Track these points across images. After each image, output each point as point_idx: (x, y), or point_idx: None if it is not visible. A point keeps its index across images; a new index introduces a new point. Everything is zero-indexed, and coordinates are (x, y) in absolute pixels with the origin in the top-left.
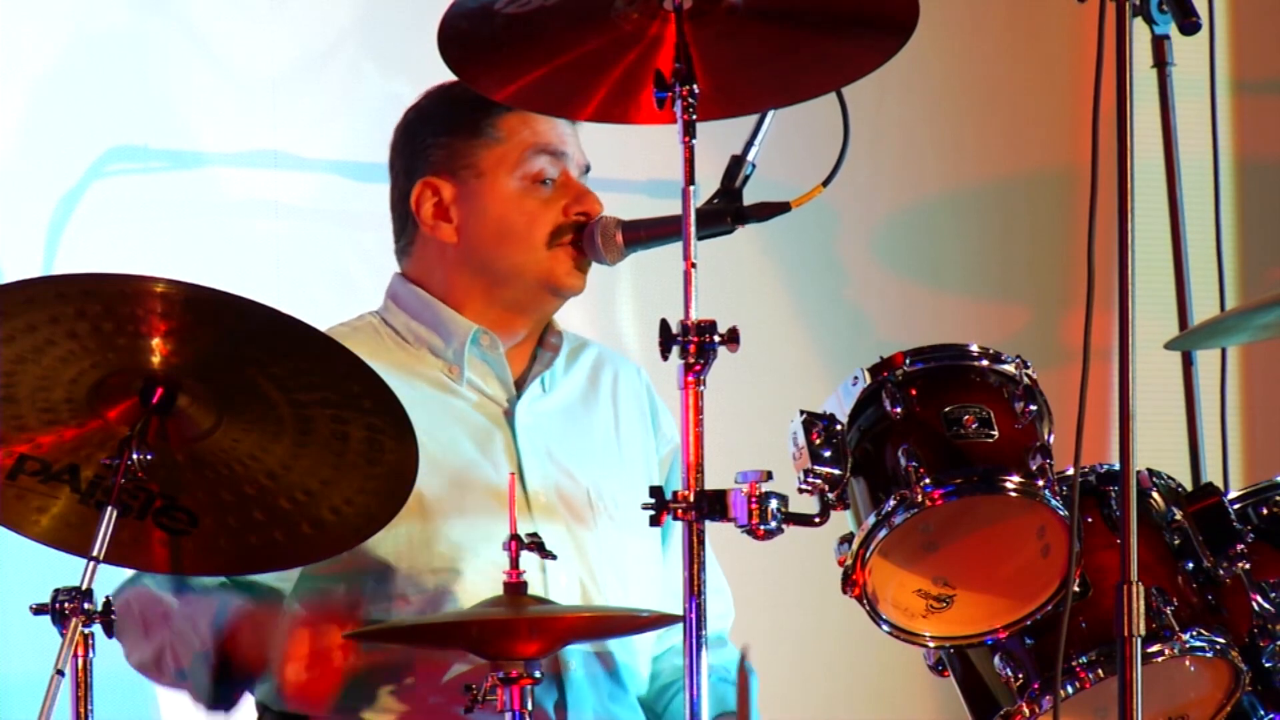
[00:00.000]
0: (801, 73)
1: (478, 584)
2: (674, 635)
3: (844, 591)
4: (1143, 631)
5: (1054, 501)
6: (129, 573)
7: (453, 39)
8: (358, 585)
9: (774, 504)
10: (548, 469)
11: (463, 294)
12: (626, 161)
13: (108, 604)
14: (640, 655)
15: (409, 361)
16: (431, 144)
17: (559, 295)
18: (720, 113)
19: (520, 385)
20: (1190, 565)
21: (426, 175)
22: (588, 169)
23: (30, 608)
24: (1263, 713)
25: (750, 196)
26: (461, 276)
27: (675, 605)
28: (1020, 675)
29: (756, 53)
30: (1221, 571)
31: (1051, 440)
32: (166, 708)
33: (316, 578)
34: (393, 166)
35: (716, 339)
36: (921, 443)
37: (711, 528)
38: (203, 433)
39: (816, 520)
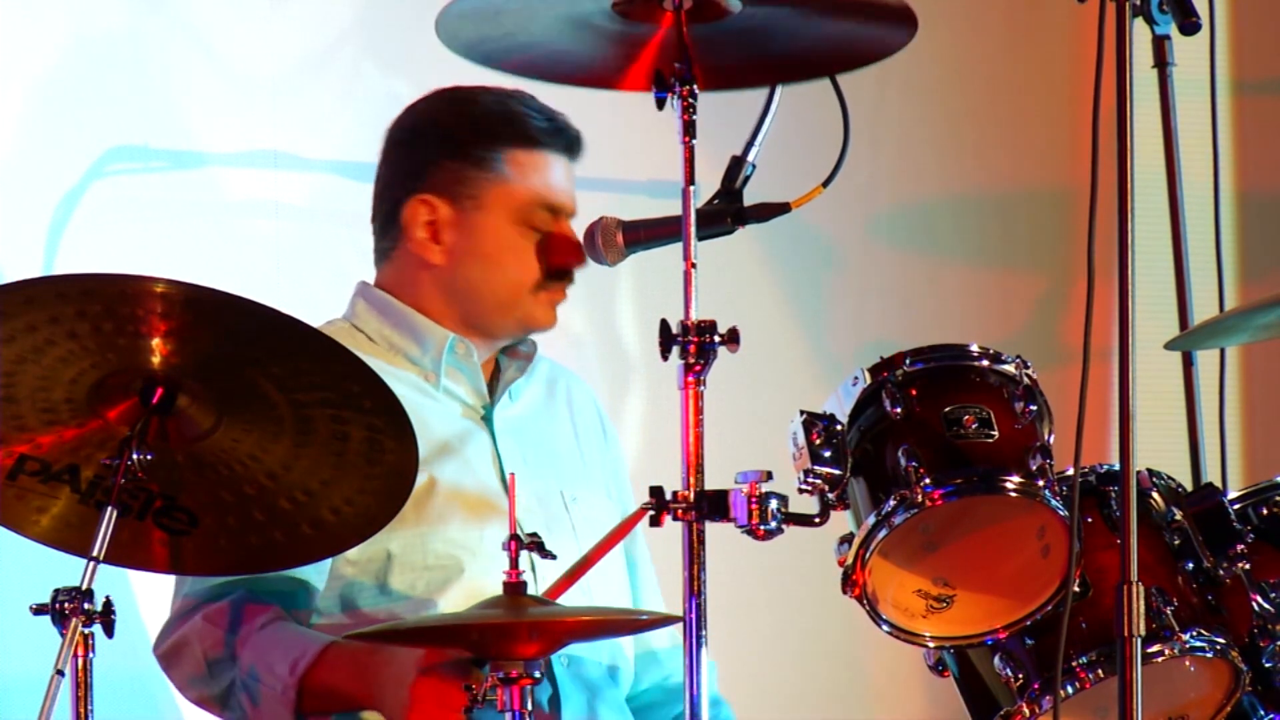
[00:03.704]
0: (801, 62)
1: (475, 583)
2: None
3: (844, 591)
4: (1143, 631)
5: (1054, 501)
6: (130, 574)
7: (451, 24)
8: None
9: (774, 504)
10: (525, 475)
11: (437, 312)
12: (627, 161)
13: (108, 604)
14: (628, 653)
15: (387, 367)
16: (435, 162)
17: (530, 331)
18: (721, 84)
19: (489, 393)
20: (1190, 565)
21: (423, 193)
22: (574, 212)
23: (30, 608)
24: (1263, 713)
25: (750, 197)
26: (439, 296)
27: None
28: (1020, 675)
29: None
30: (1221, 571)
31: (1051, 440)
32: (167, 708)
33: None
34: (384, 168)
35: (716, 339)
36: (921, 443)
37: (709, 529)
38: (203, 433)
39: (816, 520)
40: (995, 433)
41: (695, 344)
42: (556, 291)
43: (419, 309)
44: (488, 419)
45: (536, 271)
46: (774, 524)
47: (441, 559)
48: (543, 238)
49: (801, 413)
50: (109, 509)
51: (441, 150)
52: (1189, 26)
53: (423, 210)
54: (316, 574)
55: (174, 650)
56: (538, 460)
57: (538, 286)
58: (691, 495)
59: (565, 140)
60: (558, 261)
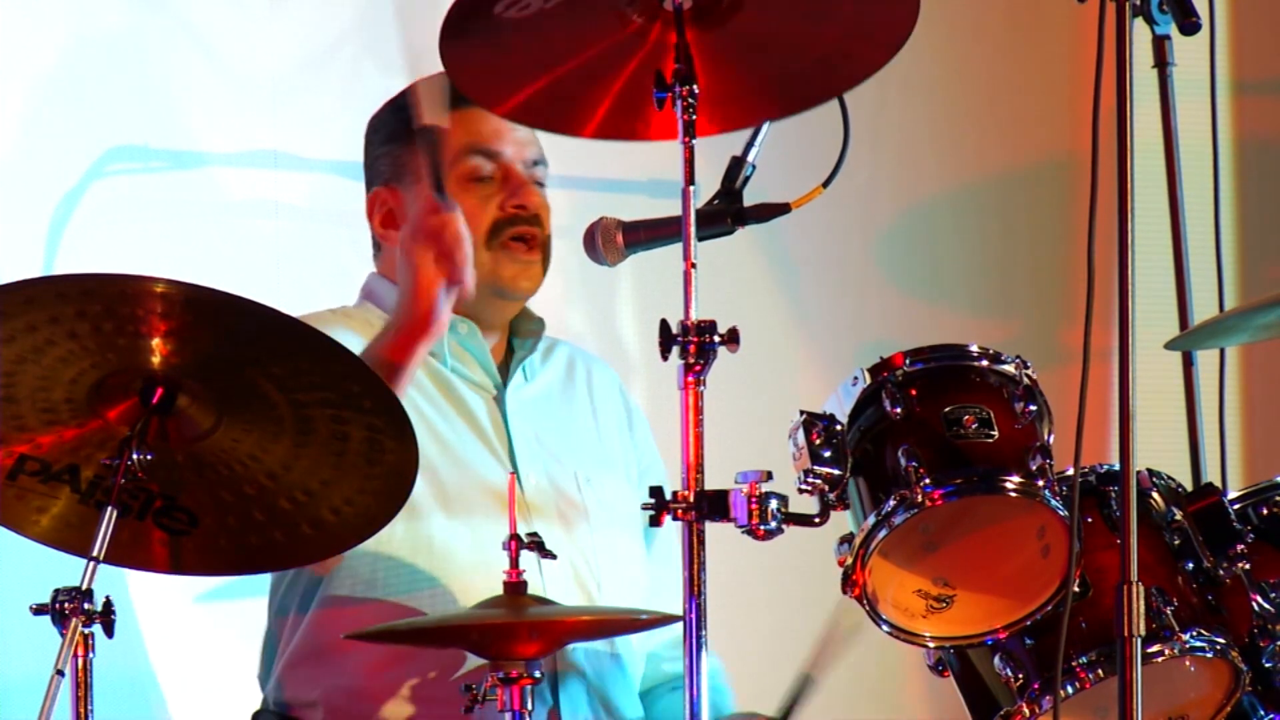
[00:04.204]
0: (801, 80)
1: (478, 566)
2: (653, 641)
3: (844, 591)
4: (1143, 631)
5: (1054, 501)
6: (130, 574)
7: (455, 50)
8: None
9: (774, 504)
10: (538, 454)
11: None
12: (627, 162)
13: (108, 604)
14: (636, 649)
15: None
16: (380, 154)
17: (504, 297)
18: (720, 127)
19: (501, 375)
20: (1190, 565)
21: (377, 186)
22: (538, 161)
23: (30, 608)
24: (1263, 713)
25: (750, 197)
26: None
27: (660, 595)
28: (1020, 675)
29: (757, 60)
30: (1221, 571)
31: (1051, 440)
32: (166, 708)
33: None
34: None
35: (716, 339)
36: (921, 443)
37: (709, 528)
38: (203, 433)
39: (816, 520)
40: (995, 433)
41: (695, 344)
42: (518, 246)
43: None
44: (500, 400)
45: (485, 222)
46: (774, 524)
47: (445, 549)
48: (488, 186)
49: (801, 413)
50: (109, 509)
51: (383, 141)
52: (1189, 26)
53: (377, 204)
54: None
55: None
56: (552, 441)
57: (492, 238)
58: (691, 495)
59: None
60: (505, 204)
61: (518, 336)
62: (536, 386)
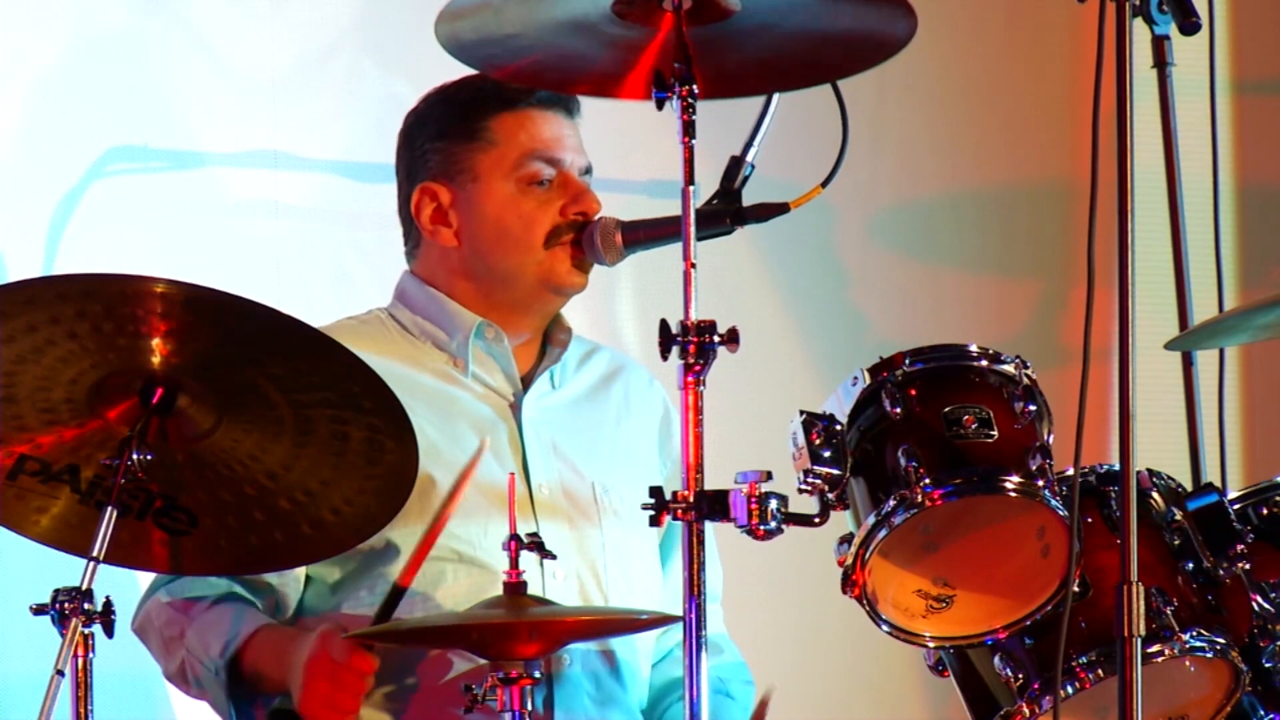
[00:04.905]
0: (801, 65)
1: (476, 575)
2: (669, 640)
3: (844, 591)
4: (1143, 631)
5: (1054, 501)
6: (130, 574)
7: (450, 30)
8: (362, 580)
9: (774, 504)
10: (552, 463)
11: (467, 295)
12: (627, 162)
13: (108, 604)
14: (641, 654)
15: (415, 355)
16: (429, 149)
17: (561, 294)
18: (721, 92)
19: (528, 381)
20: (1190, 565)
21: (424, 181)
22: (588, 170)
23: (30, 608)
24: (1263, 713)
25: (749, 197)
26: (464, 279)
27: (676, 608)
28: (1020, 675)
29: (755, 55)
30: (1221, 571)
31: (1051, 440)
32: (166, 708)
33: (321, 579)
34: (397, 171)
35: (716, 339)
36: (921, 443)
37: (713, 528)
38: (203, 433)
39: (816, 520)
40: (995, 433)
41: (695, 344)
42: (576, 249)
43: (451, 296)
44: (516, 407)
45: (545, 226)
46: (774, 524)
47: (440, 551)
48: (548, 191)
49: (801, 413)
50: (109, 509)
51: (432, 137)
52: (1189, 26)
53: (425, 199)
54: (283, 581)
55: (140, 628)
56: (572, 449)
57: (551, 240)
58: (691, 495)
59: (552, 96)
60: (567, 210)
61: (549, 344)
62: (564, 394)
